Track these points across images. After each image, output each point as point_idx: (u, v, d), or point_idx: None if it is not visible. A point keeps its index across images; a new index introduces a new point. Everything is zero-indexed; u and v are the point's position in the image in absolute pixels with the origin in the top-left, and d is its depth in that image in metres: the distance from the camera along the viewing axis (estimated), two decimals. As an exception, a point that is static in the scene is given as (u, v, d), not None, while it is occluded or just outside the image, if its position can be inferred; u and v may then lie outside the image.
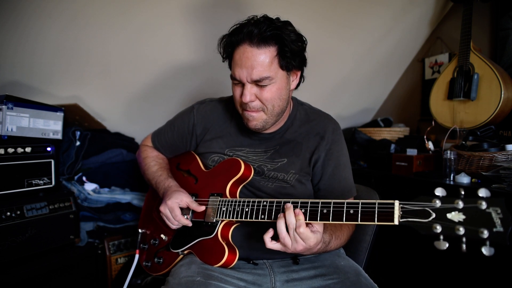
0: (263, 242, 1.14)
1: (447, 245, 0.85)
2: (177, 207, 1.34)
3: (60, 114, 1.98)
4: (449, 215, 0.85)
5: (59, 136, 1.97)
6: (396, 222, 0.93)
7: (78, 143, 2.17)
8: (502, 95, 1.96)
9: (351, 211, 1.02)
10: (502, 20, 2.21)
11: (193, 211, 1.38)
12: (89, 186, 2.18)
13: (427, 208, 0.89)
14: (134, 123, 2.54)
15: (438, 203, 0.87)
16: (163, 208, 1.36)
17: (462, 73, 2.11)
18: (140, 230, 1.59)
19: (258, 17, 1.27)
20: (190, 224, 1.36)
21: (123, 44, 2.05)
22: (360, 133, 2.81)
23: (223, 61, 1.36)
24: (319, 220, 1.07)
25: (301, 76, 1.38)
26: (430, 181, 2.00)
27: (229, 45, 1.29)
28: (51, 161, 1.92)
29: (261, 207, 1.19)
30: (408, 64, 2.97)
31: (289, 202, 1.12)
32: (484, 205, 0.81)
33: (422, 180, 2.05)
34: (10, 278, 1.63)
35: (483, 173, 1.83)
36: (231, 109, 1.48)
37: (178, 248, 1.38)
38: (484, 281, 1.67)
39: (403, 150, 2.38)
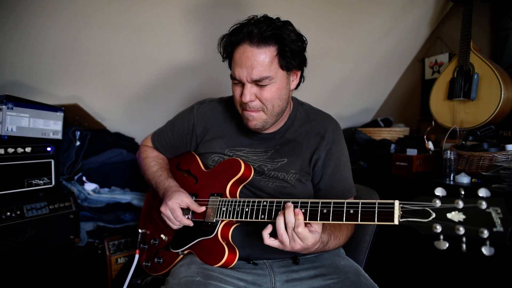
0: (263, 242, 1.14)
1: (447, 245, 0.85)
2: (178, 208, 1.34)
3: (60, 114, 1.98)
4: (449, 215, 0.85)
5: (59, 136, 1.97)
6: (396, 222, 0.93)
7: (78, 143, 2.17)
8: (502, 95, 1.96)
9: (351, 211, 1.02)
10: (502, 20, 2.21)
11: (193, 211, 1.38)
12: (89, 186, 2.18)
13: (427, 208, 0.89)
14: (134, 123, 2.54)
15: (438, 203, 0.87)
16: (164, 209, 1.36)
17: (462, 73, 2.11)
18: (140, 230, 1.59)
19: (258, 17, 1.27)
20: (191, 224, 1.36)
21: (123, 44, 2.05)
22: (360, 133, 2.81)
23: (223, 61, 1.36)
24: (319, 220, 1.07)
25: (301, 76, 1.38)
26: (430, 181, 2.00)
27: (229, 45, 1.28)
28: (51, 161, 1.92)
29: (261, 207, 1.19)
30: (408, 64, 2.97)
31: (289, 202, 1.12)
32: (484, 205, 0.81)
33: (422, 180, 2.05)
34: (10, 278, 1.63)
35: (483, 173, 1.83)
36: (231, 109, 1.48)
37: (178, 248, 1.38)
38: (484, 281, 1.67)
39: (403, 150, 2.38)
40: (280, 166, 1.39)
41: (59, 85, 2.13)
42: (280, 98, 1.29)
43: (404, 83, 3.05)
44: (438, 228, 0.86)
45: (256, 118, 1.30)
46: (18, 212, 1.72)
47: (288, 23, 1.27)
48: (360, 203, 1.02)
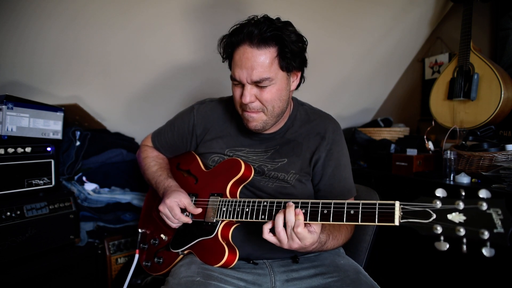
0: (263, 242, 1.14)
1: (447, 246, 0.85)
2: (176, 206, 1.34)
3: (60, 114, 1.98)
4: (449, 216, 0.85)
5: (59, 136, 1.97)
6: (396, 223, 0.93)
7: (78, 143, 2.17)
8: (502, 95, 1.96)
9: (352, 212, 1.02)
10: (502, 20, 2.21)
11: (193, 210, 1.38)
12: (89, 186, 2.18)
13: (427, 209, 0.88)
14: (134, 123, 2.54)
15: (438, 204, 0.87)
16: (162, 208, 1.36)
17: (462, 73, 2.11)
18: (140, 230, 1.59)
19: (259, 17, 1.26)
20: (190, 221, 1.36)
21: (123, 44, 2.05)
22: (360, 133, 2.81)
23: (223, 62, 1.35)
24: (320, 221, 1.07)
25: (302, 77, 1.38)
26: (430, 181, 2.00)
27: (229, 46, 1.28)
28: (51, 161, 1.92)
29: (261, 208, 1.19)
30: (408, 64, 2.97)
31: (290, 201, 1.12)
32: (484, 206, 0.81)
33: (422, 180, 2.05)
34: (10, 278, 1.63)
35: (483, 173, 1.83)
36: (231, 109, 1.48)
37: (178, 248, 1.38)
38: (484, 282, 1.67)
39: (403, 150, 2.38)
40: (280, 166, 1.39)
41: (59, 85, 2.13)
42: (280, 99, 1.29)
43: (404, 83, 3.05)
44: (439, 229, 0.86)
45: (256, 119, 1.30)
46: (18, 212, 1.72)
47: (288, 24, 1.27)
48: (360, 204, 1.02)
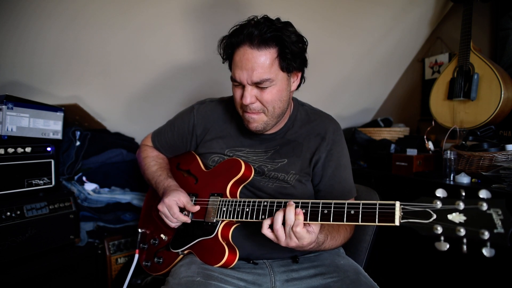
0: (263, 242, 1.14)
1: (447, 246, 0.85)
2: (175, 205, 1.34)
3: (60, 114, 1.98)
4: (450, 216, 0.86)
5: (59, 136, 1.97)
6: (397, 223, 0.93)
7: (78, 143, 2.17)
8: (502, 95, 1.96)
9: (352, 212, 1.02)
10: (502, 20, 2.21)
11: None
12: (89, 186, 2.18)
13: (428, 209, 0.89)
14: (134, 123, 2.54)
15: (439, 204, 0.87)
16: (161, 207, 1.36)
17: (462, 73, 2.11)
18: (140, 230, 1.59)
19: (259, 17, 1.26)
20: (189, 220, 1.36)
21: (123, 44, 2.05)
22: (360, 133, 2.81)
23: (223, 62, 1.35)
24: (320, 221, 1.07)
25: (302, 77, 1.38)
26: (430, 181, 2.00)
27: (229, 47, 1.28)
28: (51, 161, 1.92)
29: (261, 208, 1.19)
30: (408, 64, 2.97)
31: (291, 201, 1.12)
32: (485, 206, 0.81)
33: (422, 180, 2.05)
34: (10, 278, 1.63)
35: (483, 173, 1.83)
36: (231, 110, 1.48)
37: (178, 248, 1.38)
38: (484, 282, 1.67)
39: (403, 150, 2.38)
40: (280, 166, 1.39)
41: (59, 85, 2.13)
42: (280, 100, 1.29)
43: (404, 83, 3.05)
44: (439, 229, 0.86)
45: (257, 120, 1.30)
46: (18, 212, 1.72)
47: (288, 24, 1.27)
48: (361, 204, 1.02)
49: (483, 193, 0.83)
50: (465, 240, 0.83)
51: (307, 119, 1.46)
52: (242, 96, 1.27)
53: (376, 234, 1.48)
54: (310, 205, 1.09)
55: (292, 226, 1.07)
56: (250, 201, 1.23)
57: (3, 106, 1.72)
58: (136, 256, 1.56)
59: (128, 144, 2.44)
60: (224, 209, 1.29)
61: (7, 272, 1.63)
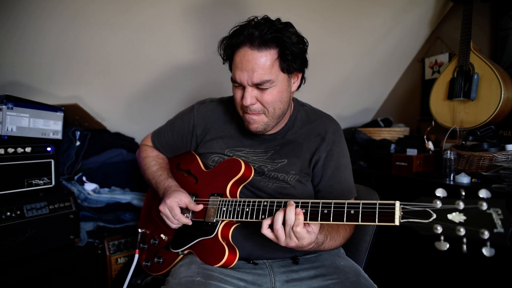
0: (263, 242, 1.14)
1: (447, 245, 0.85)
2: (176, 206, 1.34)
3: (60, 114, 1.98)
4: (449, 216, 0.86)
5: (59, 136, 1.97)
6: (397, 222, 0.93)
7: (78, 143, 2.17)
8: (502, 95, 1.96)
9: (352, 212, 1.02)
10: (502, 20, 2.21)
11: (193, 211, 1.38)
12: (89, 186, 2.18)
13: (427, 209, 0.89)
14: (134, 123, 2.54)
15: (439, 204, 0.87)
16: (162, 208, 1.36)
17: (462, 73, 2.11)
18: (140, 230, 1.59)
19: (259, 18, 1.26)
20: (190, 222, 1.36)
21: (123, 44, 2.05)
22: (360, 133, 2.81)
23: (223, 63, 1.35)
24: (320, 220, 1.07)
25: (302, 78, 1.38)
26: (430, 181, 2.00)
27: (230, 47, 1.28)
28: (51, 161, 1.92)
29: (261, 207, 1.19)
30: (408, 64, 2.97)
31: (291, 201, 1.12)
32: (484, 206, 0.81)
33: (422, 180, 2.05)
34: (10, 278, 1.63)
35: (483, 173, 1.83)
36: (231, 110, 1.48)
37: (178, 248, 1.38)
38: (484, 282, 1.67)
39: (403, 150, 2.38)
40: (280, 167, 1.39)
41: (59, 85, 2.13)
42: (281, 101, 1.28)
43: (404, 83, 3.05)
44: (439, 229, 0.86)
45: (257, 121, 1.30)
46: (18, 212, 1.72)
47: (289, 25, 1.26)
48: (361, 204, 1.02)
49: (483, 193, 0.83)
50: (465, 240, 0.83)
51: (307, 119, 1.46)
52: (242, 97, 1.26)
53: (376, 234, 1.48)
54: (310, 205, 1.09)
55: (292, 226, 1.07)
56: (250, 201, 1.23)
57: (3, 106, 1.72)
58: (136, 256, 1.56)
59: (128, 144, 2.44)
60: (224, 209, 1.29)
61: (7, 272, 1.63)
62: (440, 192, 0.88)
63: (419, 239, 1.23)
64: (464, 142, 2.06)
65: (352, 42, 2.61)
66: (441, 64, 2.64)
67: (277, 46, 1.22)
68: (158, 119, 1.93)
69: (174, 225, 1.38)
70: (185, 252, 1.38)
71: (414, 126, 2.92)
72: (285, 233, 1.09)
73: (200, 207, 1.36)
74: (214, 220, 1.31)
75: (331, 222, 1.05)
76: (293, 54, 1.24)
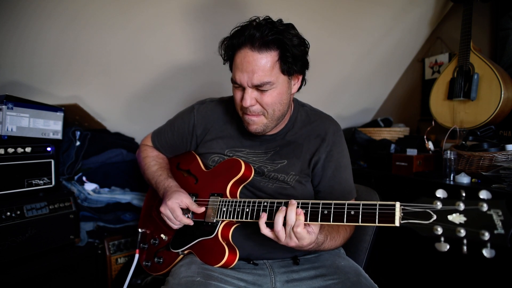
0: (263, 242, 1.14)
1: (448, 246, 0.85)
2: (177, 208, 1.34)
3: (60, 114, 1.97)
4: (450, 217, 0.85)
5: (59, 136, 1.97)
6: (397, 223, 0.93)
7: (78, 143, 2.17)
8: (502, 95, 1.96)
9: (352, 212, 1.02)
10: (502, 20, 2.21)
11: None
12: (89, 186, 2.18)
13: (428, 210, 0.89)
14: (134, 123, 2.54)
15: (439, 205, 0.87)
16: (163, 209, 1.36)
17: (462, 73, 2.11)
18: (140, 230, 1.59)
19: (260, 19, 1.25)
20: (192, 223, 1.35)
21: (123, 44, 2.05)
22: (360, 133, 2.81)
23: (223, 64, 1.35)
24: (320, 221, 1.07)
25: (303, 80, 1.37)
26: (430, 181, 2.00)
27: (230, 48, 1.27)
28: (51, 161, 1.92)
29: (261, 208, 1.19)
30: (408, 64, 2.97)
31: (293, 201, 1.12)
32: (485, 207, 0.81)
33: (422, 180, 2.05)
34: (10, 278, 1.63)
35: (483, 173, 1.83)
36: (231, 110, 1.48)
37: (178, 248, 1.38)
38: (485, 283, 1.67)
39: (403, 150, 2.38)
40: (280, 167, 1.39)
41: (59, 85, 2.13)
42: (281, 102, 1.28)
43: (404, 83, 3.05)
44: (439, 230, 0.86)
45: (257, 122, 1.30)
46: (18, 212, 1.72)
47: (290, 27, 1.26)
48: (361, 205, 1.02)
49: (483, 194, 0.83)
50: (465, 241, 0.83)
51: (307, 120, 1.46)
52: (242, 98, 1.26)
53: (376, 234, 1.48)
54: (310, 205, 1.09)
55: (293, 226, 1.07)
56: (250, 201, 1.23)
57: (3, 106, 1.72)
58: (136, 256, 1.56)
59: (128, 144, 2.44)
60: (224, 209, 1.29)
61: (7, 272, 1.63)
62: (440, 193, 0.88)
63: (419, 240, 1.23)
64: (464, 142, 2.06)
65: (352, 42, 2.61)
66: (441, 64, 2.64)
67: (278, 48, 1.21)
68: (158, 119, 1.93)
69: (176, 226, 1.38)
70: (185, 252, 1.38)
71: (414, 126, 2.92)
72: (285, 233, 1.09)
73: (202, 209, 1.36)
74: (214, 220, 1.31)
75: (331, 223, 1.05)
76: (294, 56, 1.23)
